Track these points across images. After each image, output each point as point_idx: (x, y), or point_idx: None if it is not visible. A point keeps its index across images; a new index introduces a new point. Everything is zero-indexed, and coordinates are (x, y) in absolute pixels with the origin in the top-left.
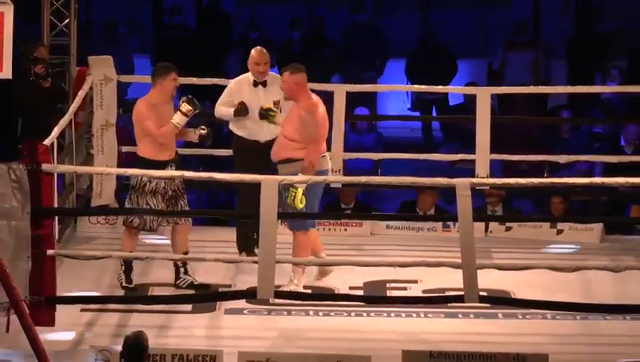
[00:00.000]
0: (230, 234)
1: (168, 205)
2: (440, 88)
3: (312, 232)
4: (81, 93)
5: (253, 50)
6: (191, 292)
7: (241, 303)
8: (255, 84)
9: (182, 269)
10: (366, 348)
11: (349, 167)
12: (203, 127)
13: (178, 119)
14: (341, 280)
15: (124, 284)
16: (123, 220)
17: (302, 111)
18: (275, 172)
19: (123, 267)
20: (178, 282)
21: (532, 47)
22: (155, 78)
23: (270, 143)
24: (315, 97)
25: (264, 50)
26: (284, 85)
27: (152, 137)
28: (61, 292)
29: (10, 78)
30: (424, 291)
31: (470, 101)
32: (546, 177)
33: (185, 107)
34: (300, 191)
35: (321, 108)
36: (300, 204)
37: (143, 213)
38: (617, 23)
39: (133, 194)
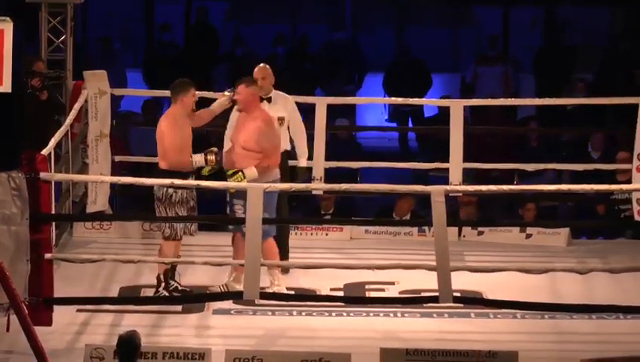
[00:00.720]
0: (221, 238)
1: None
2: (415, 100)
3: (272, 240)
4: (76, 106)
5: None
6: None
7: (229, 304)
8: (260, 99)
9: (162, 283)
10: (346, 346)
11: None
12: (213, 149)
13: (198, 161)
14: (323, 281)
15: (178, 287)
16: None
17: (259, 122)
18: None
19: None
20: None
21: (502, 61)
22: (176, 94)
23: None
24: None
25: (262, 66)
26: (239, 97)
27: (174, 153)
28: (58, 293)
29: (10, 91)
30: (401, 292)
31: (444, 113)
32: (516, 184)
33: (210, 157)
34: (245, 176)
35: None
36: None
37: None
38: (582, 38)
39: (160, 206)
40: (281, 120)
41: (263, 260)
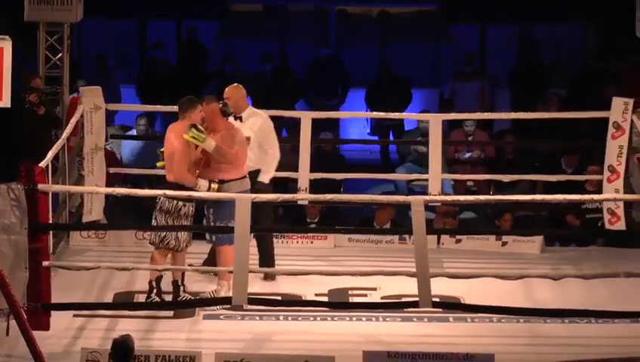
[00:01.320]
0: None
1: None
2: (396, 115)
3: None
4: (73, 120)
5: None
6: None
7: (218, 309)
8: (230, 115)
9: (181, 287)
10: (330, 349)
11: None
12: (217, 180)
13: (202, 186)
14: (308, 287)
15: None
16: (156, 243)
17: (222, 133)
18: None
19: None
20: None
21: (479, 77)
22: (184, 110)
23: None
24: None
25: (231, 86)
26: (204, 115)
27: (181, 171)
28: (56, 299)
29: (9, 106)
30: (383, 297)
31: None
32: (492, 194)
33: (213, 186)
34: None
35: (241, 134)
36: (191, 139)
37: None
38: (556, 55)
39: (168, 218)
40: (247, 139)
41: (262, 268)
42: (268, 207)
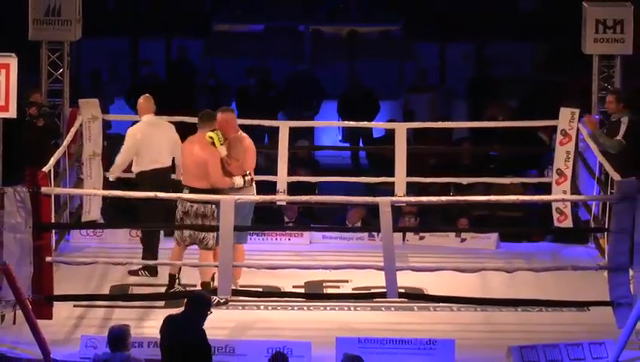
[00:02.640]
0: None
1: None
2: (365, 124)
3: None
4: (72, 130)
5: None
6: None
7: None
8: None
9: (177, 280)
10: (306, 335)
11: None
12: (249, 172)
13: (238, 183)
14: (286, 280)
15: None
16: (196, 242)
17: (233, 138)
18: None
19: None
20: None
21: (429, 89)
22: (204, 122)
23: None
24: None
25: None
26: (217, 123)
27: (218, 176)
28: (57, 291)
29: (15, 117)
30: (354, 289)
31: (390, 134)
32: (452, 196)
33: (247, 178)
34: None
35: (248, 141)
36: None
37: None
38: (508, 69)
39: (205, 220)
40: None
41: (244, 262)
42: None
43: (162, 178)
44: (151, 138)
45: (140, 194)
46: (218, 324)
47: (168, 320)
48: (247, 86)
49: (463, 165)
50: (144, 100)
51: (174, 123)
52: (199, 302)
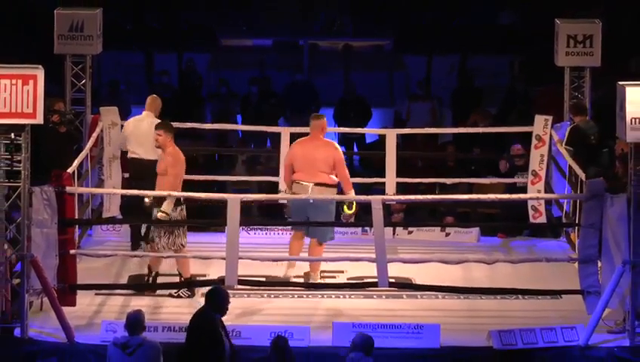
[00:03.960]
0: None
1: None
2: (359, 130)
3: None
4: (94, 135)
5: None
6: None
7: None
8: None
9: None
10: (305, 321)
11: None
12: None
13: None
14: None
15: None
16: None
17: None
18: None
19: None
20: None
21: (429, 98)
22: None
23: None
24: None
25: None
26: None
27: None
28: (80, 281)
29: (42, 123)
30: (349, 279)
31: (381, 139)
32: (437, 194)
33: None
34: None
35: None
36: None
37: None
38: (489, 79)
39: None
40: None
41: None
42: None
43: (138, 167)
44: (134, 131)
45: (151, 193)
46: None
47: (194, 314)
48: (250, 94)
49: (447, 167)
50: (149, 99)
51: (186, 129)
52: (212, 296)
